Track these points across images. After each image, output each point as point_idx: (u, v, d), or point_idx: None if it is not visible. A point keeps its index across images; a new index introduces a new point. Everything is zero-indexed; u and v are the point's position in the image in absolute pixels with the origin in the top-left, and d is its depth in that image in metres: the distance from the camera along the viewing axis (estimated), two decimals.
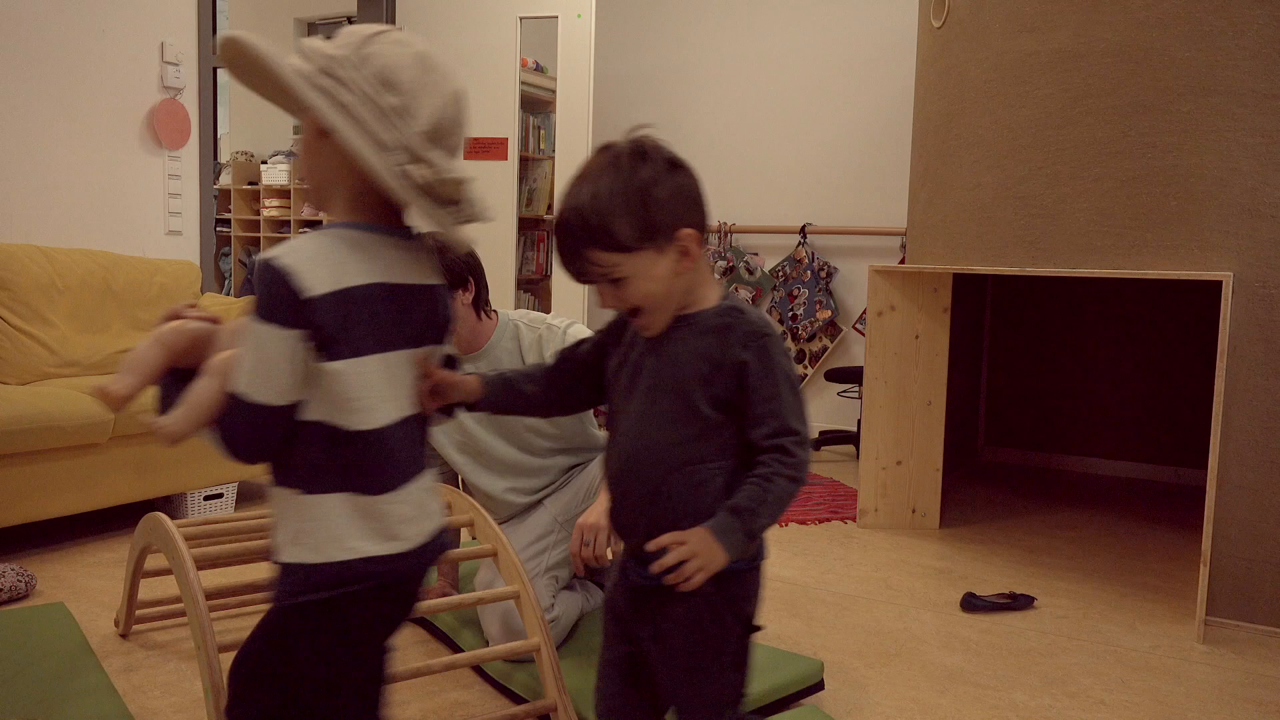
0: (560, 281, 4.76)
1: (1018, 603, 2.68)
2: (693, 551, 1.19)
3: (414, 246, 1.18)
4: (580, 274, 1.22)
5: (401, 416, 1.15)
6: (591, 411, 2.39)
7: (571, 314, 4.73)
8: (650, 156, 1.21)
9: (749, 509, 1.20)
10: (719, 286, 1.31)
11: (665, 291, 1.23)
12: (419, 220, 1.15)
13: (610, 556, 2.03)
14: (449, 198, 1.12)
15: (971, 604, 2.66)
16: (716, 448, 1.24)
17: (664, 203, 1.19)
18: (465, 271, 2.18)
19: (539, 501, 2.36)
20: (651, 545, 1.22)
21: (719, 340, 1.24)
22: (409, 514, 1.15)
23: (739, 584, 1.28)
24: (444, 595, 2.42)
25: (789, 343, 5.15)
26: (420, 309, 1.18)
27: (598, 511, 2.05)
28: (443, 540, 1.23)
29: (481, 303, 2.25)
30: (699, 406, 1.23)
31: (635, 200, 1.18)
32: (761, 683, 1.96)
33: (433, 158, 1.10)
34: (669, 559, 1.19)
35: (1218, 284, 2.54)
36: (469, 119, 1.19)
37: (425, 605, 2.08)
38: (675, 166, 1.22)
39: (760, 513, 1.21)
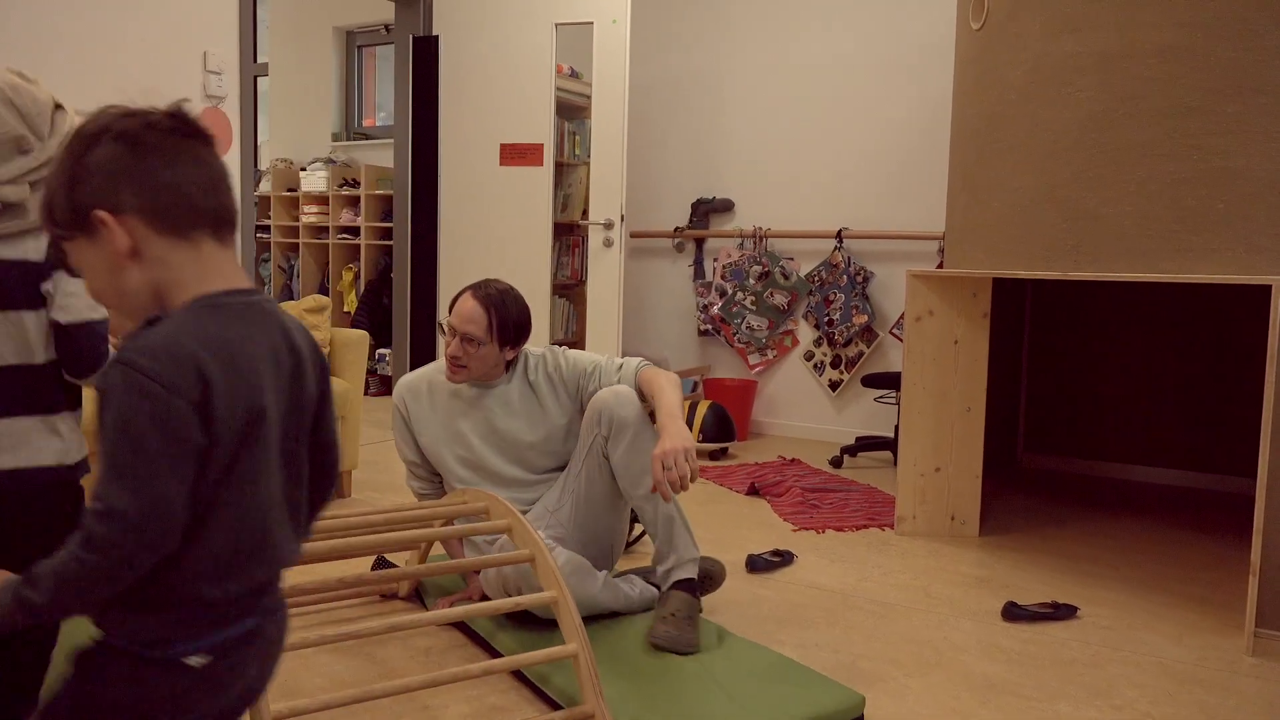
0: (596, 286, 4.77)
1: (1060, 612, 2.64)
2: None
3: None
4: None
5: None
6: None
7: (605, 318, 4.74)
8: (100, 118, 0.97)
9: (39, 575, 0.90)
10: (197, 291, 0.98)
11: (112, 290, 0.98)
12: None
13: (694, 478, 2.00)
14: None
15: (1013, 613, 2.62)
16: None
17: (83, 177, 0.95)
18: (518, 337, 2.41)
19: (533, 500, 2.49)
20: None
21: None
22: None
23: (92, 666, 0.96)
24: (473, 599, 2.43)
25: (824, 348, 5.12)
26: None
27: (674, 436, 2.03)
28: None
29: (513, 350, 2.44)
30: None
31: (60, 172, 0.96)
32: (797, 711, 1.92)
33: None
34: None
35: (1266, 288, 2.49)
36: None
37: (461, 610, 2.09)
38: (123, 137, 0.96)
39: (42, 583, 0.90)
